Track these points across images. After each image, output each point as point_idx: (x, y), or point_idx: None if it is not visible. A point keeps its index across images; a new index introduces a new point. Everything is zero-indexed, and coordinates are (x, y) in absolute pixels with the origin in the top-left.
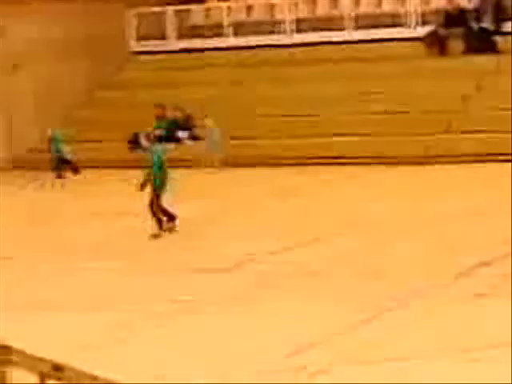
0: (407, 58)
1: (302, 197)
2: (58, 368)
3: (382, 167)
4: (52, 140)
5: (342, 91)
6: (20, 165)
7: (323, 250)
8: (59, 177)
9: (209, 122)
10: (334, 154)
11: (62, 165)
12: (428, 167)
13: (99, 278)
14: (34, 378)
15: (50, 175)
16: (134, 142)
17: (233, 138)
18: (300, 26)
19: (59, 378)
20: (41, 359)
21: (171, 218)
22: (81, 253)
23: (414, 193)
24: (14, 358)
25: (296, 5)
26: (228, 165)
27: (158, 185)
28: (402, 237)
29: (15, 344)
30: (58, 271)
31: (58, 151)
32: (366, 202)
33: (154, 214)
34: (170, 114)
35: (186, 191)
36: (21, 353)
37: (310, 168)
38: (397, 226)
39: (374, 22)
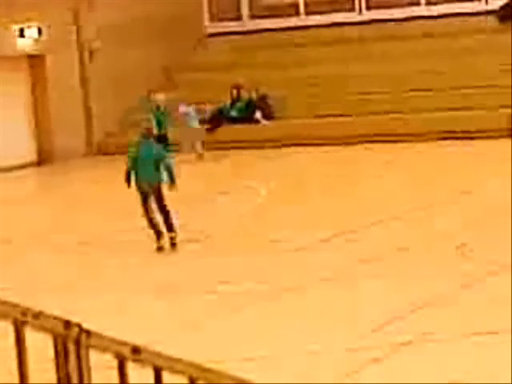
0: (481, 33)
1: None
2: (136, 350)
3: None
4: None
5: (415, 68)
6: (99, 150)
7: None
8: None
9: (183, 107)
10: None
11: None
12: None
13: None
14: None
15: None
16: (211, 123)
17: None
18: (370, 2)
19: (137, 360)
20: (120, 342)
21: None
22: None
23: None
24: (93, 340)
25: None
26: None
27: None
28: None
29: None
30: None
31: (159, 125)
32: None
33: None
34: (245, 94)
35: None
36: (99, 336)
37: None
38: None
39: None
